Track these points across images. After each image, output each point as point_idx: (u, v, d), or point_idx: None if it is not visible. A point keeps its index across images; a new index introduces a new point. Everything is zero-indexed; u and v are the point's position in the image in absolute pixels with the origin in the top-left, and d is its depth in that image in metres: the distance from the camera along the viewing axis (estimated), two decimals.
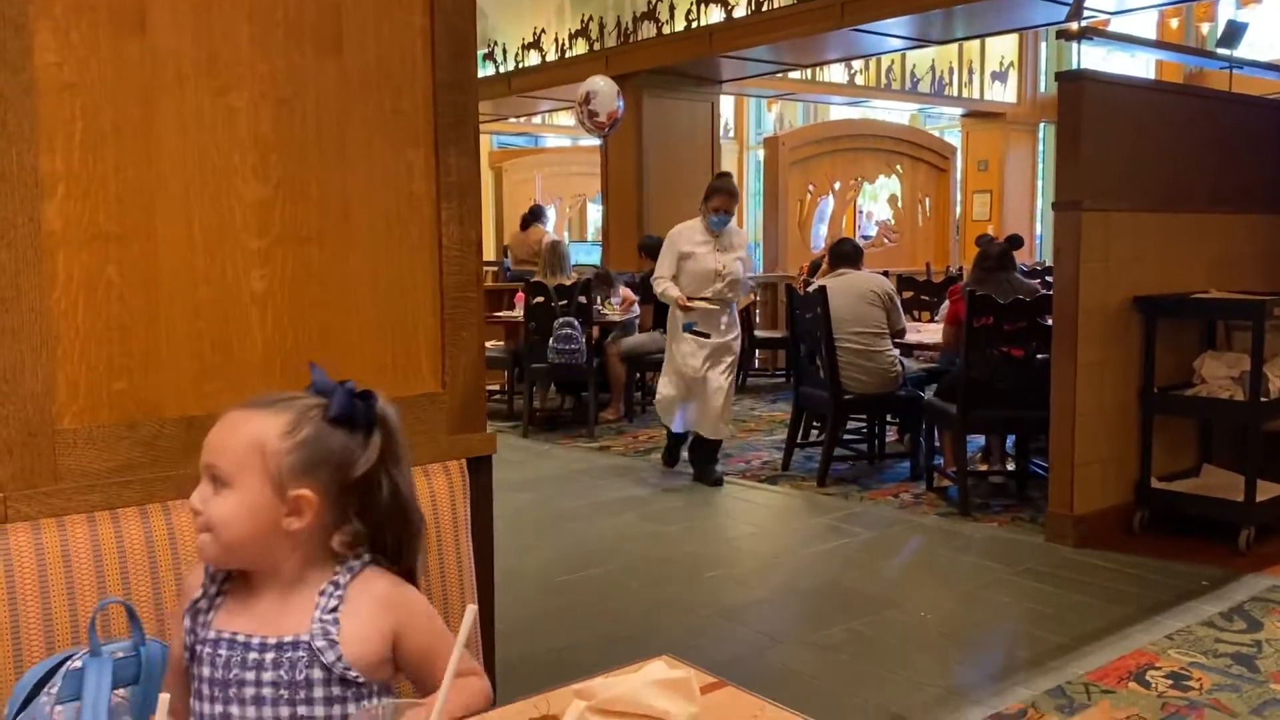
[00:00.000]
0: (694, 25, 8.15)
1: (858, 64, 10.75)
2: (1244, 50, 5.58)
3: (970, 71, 11.55)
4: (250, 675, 1.27)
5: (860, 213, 11.20)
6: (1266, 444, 4.27)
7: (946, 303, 5.58)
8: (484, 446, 2.00)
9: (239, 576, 1.33)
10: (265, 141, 1.70)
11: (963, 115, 12.01)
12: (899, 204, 10.91)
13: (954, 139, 12.02)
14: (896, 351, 5.48)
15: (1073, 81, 4.30)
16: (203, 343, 1.67)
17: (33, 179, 1.52)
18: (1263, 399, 4.15)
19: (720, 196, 5.14)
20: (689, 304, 5.12)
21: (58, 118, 1.54)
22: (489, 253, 10.59)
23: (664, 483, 5.41)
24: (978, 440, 5.64)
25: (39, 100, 1.52)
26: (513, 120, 13.34)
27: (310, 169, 1.75)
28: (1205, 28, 10.21)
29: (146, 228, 1.62)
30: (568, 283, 6.70)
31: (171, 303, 1.64)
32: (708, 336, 5.20)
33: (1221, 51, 5.36)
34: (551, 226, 11.09)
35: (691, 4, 8.16)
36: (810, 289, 5.61)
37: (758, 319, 9.06)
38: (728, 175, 5.52)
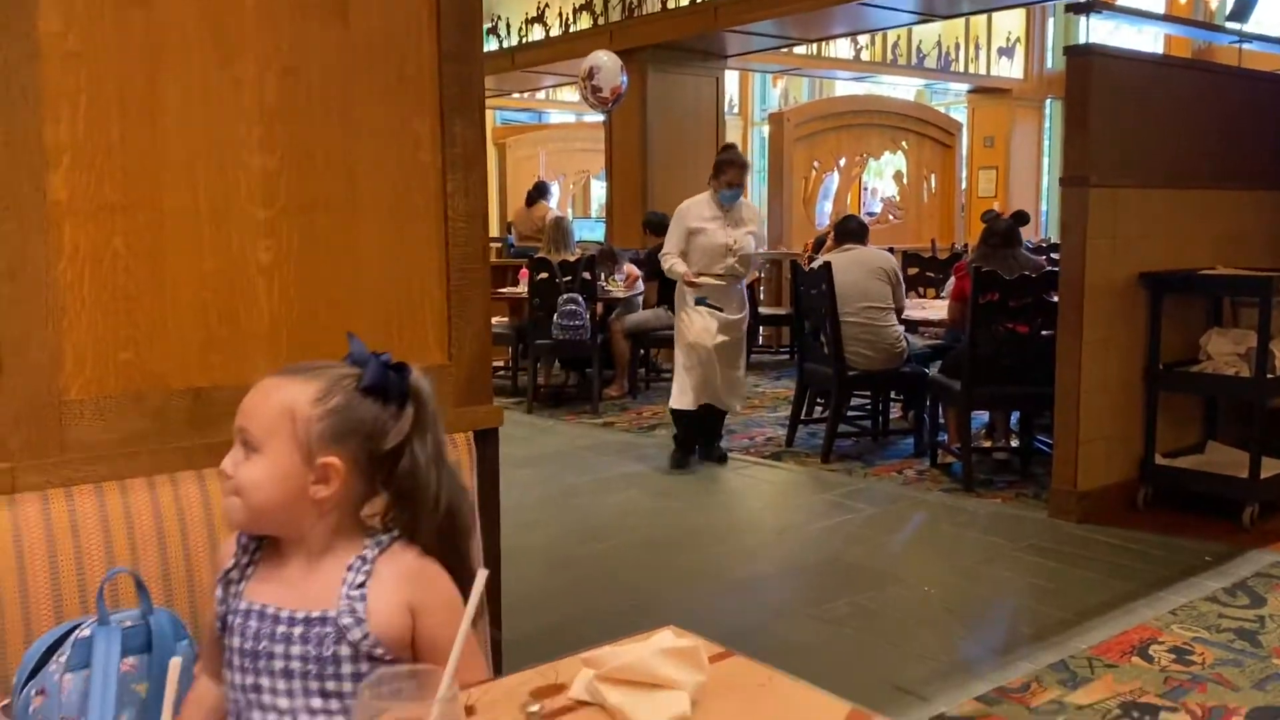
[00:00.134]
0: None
1: (864, 39, 10.68)
2: (1253, 25, 5.54)
3: (977, 47, 11.48)
4: (279, 648, 1.27)
5: (865, 189, 11.16)
6: (1271, 421, 4.26)
7: (952, 279, 5.57)
8: (491, 419, 2.00)
9: (270, 546, 1.33)
10: (271, 112, 1.69)
11: (969, 91, 11.94)
12: (904, 180, 10.87)
13: (960, 115, 11.96)
14: (901, 328, 5.47)
15: (1081, 56, 4.27)
16: (209, 314, 1.66)
17: (37, 149, 1.52)
18: (1268, 376, 4.14)
19: (732, 170, 5.05)
20: (696, 280, 5.06)
21: (62, 87, 1.53)
22: (492, 229, 10.55)
23: (668, 459, 5.41)
24: (982, 417, 5.64)
25: (43, 69, 1.51)
26: (516, 96, 13.28)
27: (316, 139, 1.74)
28: (1214, 2, 10.13)
29: (152, 198, 1.61)
30: (572, 259, 6.69)
31: (178, 274, 1.64)
32: (721, 310, 5.12)
33: (1231, 26, 5.32)
34: (555, 203, 11.07)
35: None
36: (815, 265, 5.59)
37: (761, 295, 9.05)
38: (735, 148, 5.46)
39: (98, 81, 1.56)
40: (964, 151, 11.51)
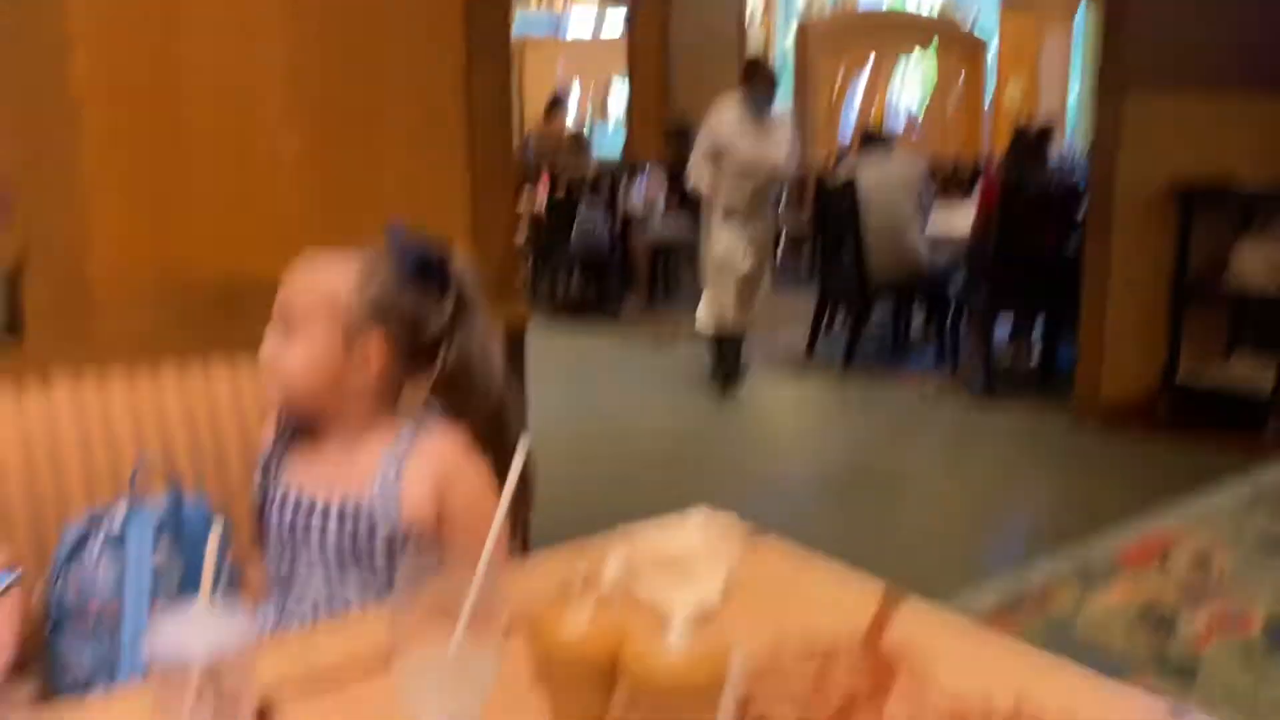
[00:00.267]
0: None
1: None
2: None
3: None
4: (314, 535, 1.28)
5: (890, 102, 10.97)
6: None
7: (977, 190, 5.49)
8: (520, 319, 1.98)
9: (308, 432, 1.33)
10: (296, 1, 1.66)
11: (998, 2, 11.64)
12: (929, 93, 10.67)
13: (988, 27, 11.67)
14: (925, 238, 5.41)
15: None
16: (238, 203, 1.65)
17: (60, 37, 1.49)
18: None
19: (760, 82, 4.89)
20: (723, 197, 4.92)
21: None
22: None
23: (689, 369, 5.41)
24: (1004, 330, 5.60)
25: None
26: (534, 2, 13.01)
27: (341, 32, 1.71)
28: None
29: (176, 86, 1.59)
30: (590, 173, 6.62)
31: (204, 163, 1.62)
32: (746, 223, 4.98)
33: None
34: (573, 117, 10.92)
35: None
36: (839, 175, 5.52)
37: (783, 205, 8.95)
38: (762, 60, 5.30)
39: None
40: (991, 64, 11.27)
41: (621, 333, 6.52)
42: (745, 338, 5.40)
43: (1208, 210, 4.41)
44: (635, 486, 3.82)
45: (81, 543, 1.45)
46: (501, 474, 1.31)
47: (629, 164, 7.59)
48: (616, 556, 1.19)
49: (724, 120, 4.93)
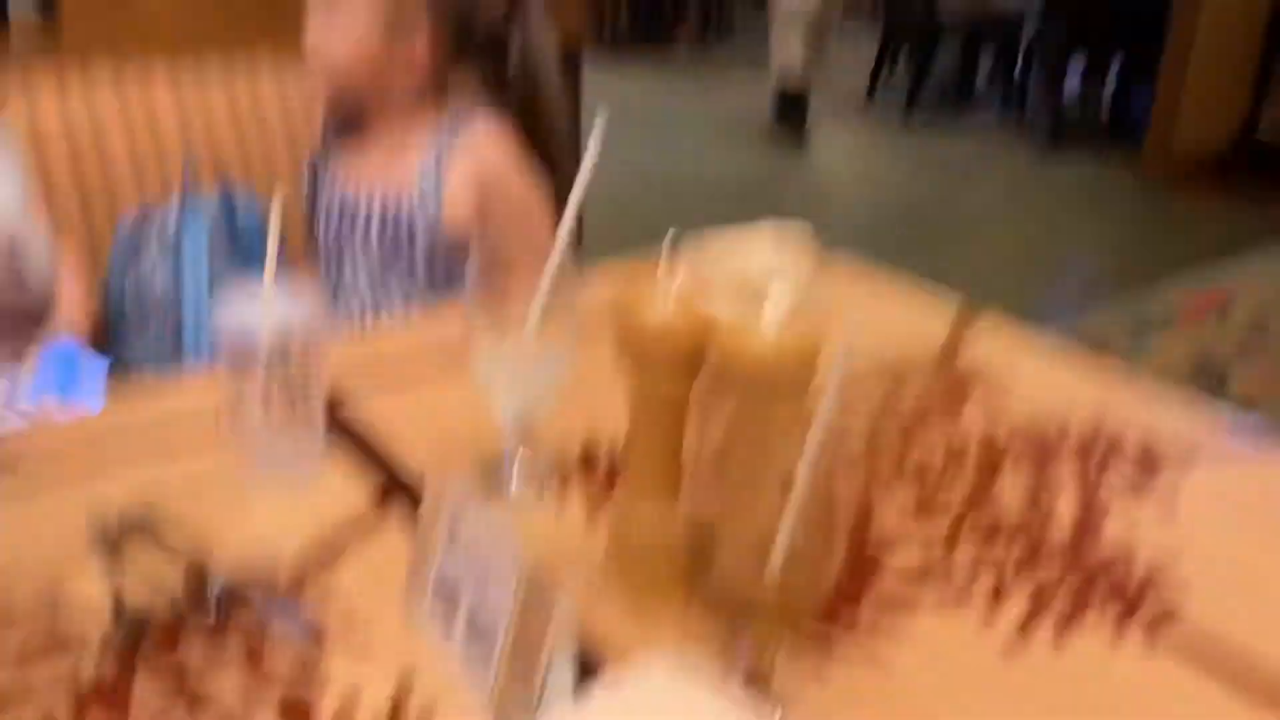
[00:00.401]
0: None
1: None
2: None
3: None
4: (359, 237, 1.26)
5: None
6: None
7: None
8: (577, 38, 1.88)
9: (354, 129, 1.29)
10: None
11: None
12: None
13: None
14: None
15: None
16: None
17: None
18: None
19: None
20: None
21: None
22: None
23: (744, 111, 5.21)
24: (1075, 80, 5.32)
25: None
26: None
27: None
28: None
29: None
30: None
31: None
32: None
33: None
34: None
35: None
36: None
37: None
38: None
39: None
40: None
41: (673, 73, 6.27)
42: (811, 90, 5.17)
43: None
44: (684, 225, 3.76)
45: (135, 247, 1.44)
46: (543, 162, 1.27)
47: None
48: (686, 265, 1.15)
49: None
